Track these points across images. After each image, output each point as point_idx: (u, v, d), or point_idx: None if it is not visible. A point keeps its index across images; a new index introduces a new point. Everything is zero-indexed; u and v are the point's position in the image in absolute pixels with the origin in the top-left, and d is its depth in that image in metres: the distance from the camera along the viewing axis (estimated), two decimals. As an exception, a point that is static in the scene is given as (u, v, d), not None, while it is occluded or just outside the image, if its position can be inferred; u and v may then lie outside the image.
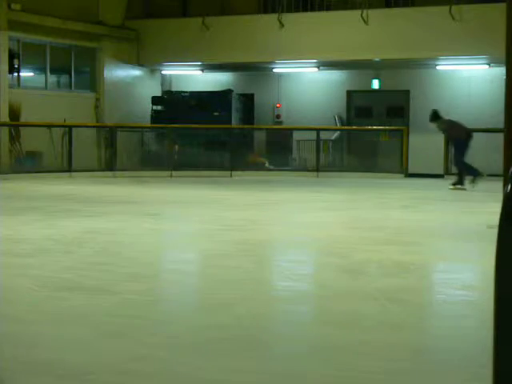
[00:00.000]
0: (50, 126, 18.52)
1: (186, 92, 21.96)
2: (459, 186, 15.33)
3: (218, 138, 20.90)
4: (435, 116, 15.74)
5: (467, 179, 15.26)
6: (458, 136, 15.68)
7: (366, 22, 18.89)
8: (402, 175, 19.50)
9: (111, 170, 19.09)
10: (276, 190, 15.30)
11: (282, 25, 19.72)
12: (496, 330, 1.89)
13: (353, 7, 19.40)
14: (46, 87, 19.79)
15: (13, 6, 18.15)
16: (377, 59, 19.64)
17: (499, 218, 1.91)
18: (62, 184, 16.00)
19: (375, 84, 21.46)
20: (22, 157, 18.30)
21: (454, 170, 16.94)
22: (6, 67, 17.92)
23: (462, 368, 3.76)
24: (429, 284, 6.34)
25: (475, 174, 15.27)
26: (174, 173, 18.85)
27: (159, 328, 4.46)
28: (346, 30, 19.24)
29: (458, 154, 15.58)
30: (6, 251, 7.15)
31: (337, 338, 4.25)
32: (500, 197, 2.17)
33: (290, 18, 19.74)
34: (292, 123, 21.62)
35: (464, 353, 4.02)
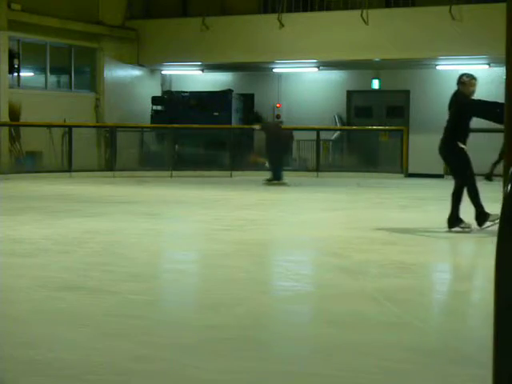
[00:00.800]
0: (49, 126, 18.51)
1: (186, 92, 21.95)
2: (275, 182, 16.11)
3: (218, 138, 20.90)
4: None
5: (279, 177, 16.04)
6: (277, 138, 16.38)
7: (366, 22, 18.88)
8: (402, 175, 19.50)
9: (111, 170, 19.09)
10: (276, 190, 15.30)
11: (282, 25, 19.71)
12: (496, 330, 1.89)
13: (353, 7, 19.39)
14: (45, 87, 19.79)
15: (13, 5, 18.15)
16: (377, 59, 19.63)
17: (499, 217, 1.91)
18: (62, 184, 16.00)
19: (375, 84, 21.45)
20: (22, 157, 18.29)
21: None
22: (6, 67, 17.91)
23: (461, 368, 3.76)
24: (429, 284, 6.34)
25: (279, 178, 16.11)
26: (174, 173, 18.85)
27: (159, 328, 4.46)
28: (345, 30, 19.23)
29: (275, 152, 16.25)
30: (6, 251, 7.15)
31: (337, 338, 4.25)
32: (500, 197, 2.17)
33: (290, 17, 19.73)
34: (292, 123, 21.62)
35: (464, 353, 4.02)
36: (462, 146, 8.87)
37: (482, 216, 8.72)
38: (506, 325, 1.87)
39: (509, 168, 2.48)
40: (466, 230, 8.61)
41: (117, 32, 20.88)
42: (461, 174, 8.93)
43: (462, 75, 9.23)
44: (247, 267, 6.55)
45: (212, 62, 21.15)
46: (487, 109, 8.94)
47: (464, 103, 8.93)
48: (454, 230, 8.68)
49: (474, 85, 9.05)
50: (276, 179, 16.28)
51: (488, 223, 8.68)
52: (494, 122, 8.59)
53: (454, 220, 8.73)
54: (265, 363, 3.76)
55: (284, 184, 16.10)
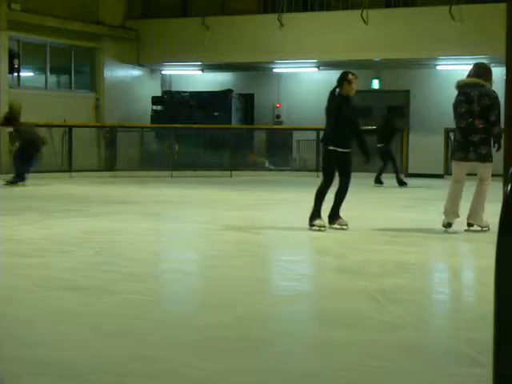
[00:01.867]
0: (50, 126, 18.50)
1: (186, 92, 21.95)
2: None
3: (218, 138, 20.89)
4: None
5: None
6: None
7: (366, 22, 18.88)
8: (402, 175, 19.48)
9: (111, 170, 19.08)
10: (276, 190, 15.30)
11: (282, 25, 19.71)
12: (496, 330, 1.89)
13: (353, 7, 19.39)
14: (45, 87, 19.79)
15: (13, 5, 18.14)
16: (377, 59, 19.63)
17: (499, 218, 1.92)
18: (62, 184, 16.00)
19: (375, 84, 21.45)
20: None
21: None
22: (6, 67, 17.92)
23: (461, 368, 3.76)
24: (429, 284, 6.34)
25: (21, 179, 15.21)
26: (173, 173, 18.84)
27: (159, 328, 4.46)
28: (345, 30, 19.22)
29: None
30: (7, 251, 7.15)
31: (337, 337, 4.25)
32: (500, 197, 2.17)
33: (289, 17, 19.73)
34: (292, 123, 21.61)
35: (464, 353, 4.02)
36: (333, 147, 8.82)
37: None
38: (506, 324, 1.87)
39: (509, 168, 2.48)
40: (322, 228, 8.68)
41: (117, 32, 20.87)
42: (323, 174, 9.10)
43: (348, 72, 9.34)
44: (247, 267, 6.55)
45: (212, 61, 21.14)
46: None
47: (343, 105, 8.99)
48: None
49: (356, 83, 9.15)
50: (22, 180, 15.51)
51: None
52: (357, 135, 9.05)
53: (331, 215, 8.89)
54: (265, 363, 3.76)
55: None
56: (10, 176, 15.25)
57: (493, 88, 8.90)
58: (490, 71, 9.17)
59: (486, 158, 8.65)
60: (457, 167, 8.95)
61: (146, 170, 19.76)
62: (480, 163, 8.69)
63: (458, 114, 8.78)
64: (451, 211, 8.69)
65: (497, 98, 8.64)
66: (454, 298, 5.46)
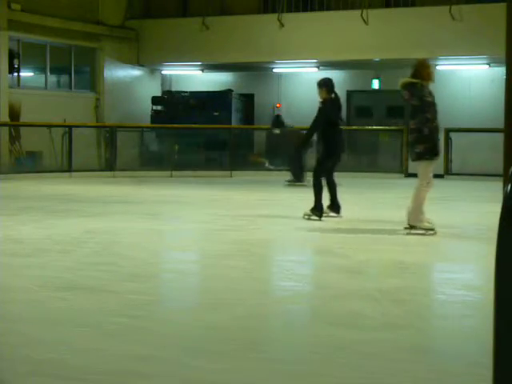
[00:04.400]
0: (49, 126, 18.51)
1: (186, 92, 21.95)
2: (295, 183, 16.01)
3: (218, 138, 20.89)
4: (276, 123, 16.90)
5: None
6: None
7: (366, 22, 18.88)
8: (402, 175, 19.50)
9: (111, 169, 19.08)
10: (276, 190, 15.29)
11: (282, 25, 19.71)
12: (496, 330, 1.89)
13: (353, 7, 19.39)
14: (45, 87, 19.78)
15: (13, 5, 18.15)
16: (377, 59, 19.63)
17: (499, 218, 1.91)
18: (62, 184, 15.99)
19: (375, 84, 21.45)
20: (22, 157, 18.29)
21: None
22: (6, 67, 17.91)
23: (461, 368, 3.76)
24: (429, 284, 6.34)
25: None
26: (173, 173, 18.83)
27: (159, 328, 4.46)
28: (345, 30, 19.23)
29: None
30: (6, 251, 7.15)
31: (337, 337, 4.25)
32: (500, 197, 2.17)
33: (289, 17, 19.73)
34: (292, 123, 21.58)
35: (464, 353, 4.02)
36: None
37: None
38: (506, 325, 1.87)
39: (509, 168, 2.48)
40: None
41: (117, 32, 20.87)
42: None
43: (328, 79, 10.39)
44: (247, 267, 6.55)
45: (212, 61, 21.14)
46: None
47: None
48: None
49: None
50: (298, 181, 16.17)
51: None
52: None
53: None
54: (265, 363, 3.76)
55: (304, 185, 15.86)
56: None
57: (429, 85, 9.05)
58: (424, 67, 9.21)
59: (420, 157, 8.81)
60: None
61: (145, 169, 19.76)
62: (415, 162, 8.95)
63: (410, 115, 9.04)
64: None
65: (422, 97, 8.76)
66: (454, 298, 5.46)
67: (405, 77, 9.02)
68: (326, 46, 19.36)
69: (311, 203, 9.77)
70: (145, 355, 3.84)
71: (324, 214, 9.72)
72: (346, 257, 7.09)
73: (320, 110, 10.09)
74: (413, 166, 20.06)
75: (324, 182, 9.96)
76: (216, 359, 3.81)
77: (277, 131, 17.42)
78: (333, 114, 10.09)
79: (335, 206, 10.04)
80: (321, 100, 10.11)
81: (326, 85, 10.15)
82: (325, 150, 10.14)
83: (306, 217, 9.79)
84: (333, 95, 10.11)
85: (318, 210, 9.74)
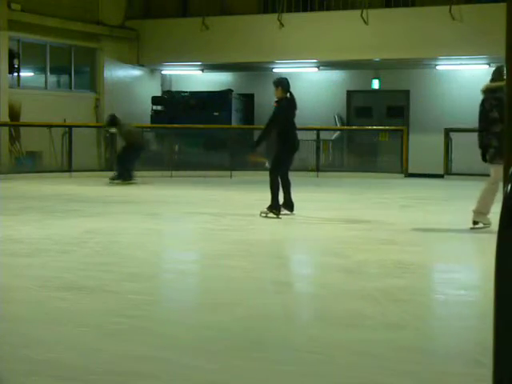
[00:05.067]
0: (49, 126, 18.51)
1: (186, 92, 21.94)
2: (116, 181, 16.21)
3: (218, 138, 20.88)
4: (112, 122, 16.71)
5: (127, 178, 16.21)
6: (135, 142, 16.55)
7: (366, 22, 18.88)
8: (402, 175, 19.49)
9: (111, 170, 19.06)
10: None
11: (282, 25, 19.71)
12: (496, 330, 1.89)
13: (353, 7, 19.39)
14: (45, 87, 19.78)
15: (13, 6, 18.14)
16: (377, 59, 19.63)
17: (499, 218, 1.91)
18: (62, 184, 15.99)
19: (375, 84, 21.45)
20: (21, 157, 18.29)
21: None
22: (6, 67, 17.91)
23: (461, 368, 3.76)
24: (429, 284, 6.34)
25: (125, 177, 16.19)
26: (173, 173, 18.83)
27: (159, 328, 4.46)
28: (346, 30, 19.23)
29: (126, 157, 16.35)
30: (6, 251, 7.15)
31: (337, 337, 4.25)
32: (500, 197, 2.17)
33: (289, 17, 19.73)
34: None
35: (464, 353, 4.02)
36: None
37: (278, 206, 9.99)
38: (506, 325, 1.87)
39: (509, 168, 2.48)
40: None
41: (117, 32, 20.87)
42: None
43: (283, 79, 10.42)
44: (247, 267, 6.55)
45: (212, 61, 21.15)
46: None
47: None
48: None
49: None
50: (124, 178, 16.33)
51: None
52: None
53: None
54: (265, 363, 3.76)
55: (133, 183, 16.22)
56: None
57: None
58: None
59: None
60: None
61: (145, 169, 19.75)
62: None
63: (492, 119, 8.65)
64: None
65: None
66: (454, 298, 5.46)
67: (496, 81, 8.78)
68: (326, 45, 19.36)
69: (311, 203, 9.78)
70: (145, 355, 3.84)
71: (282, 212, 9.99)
72: (345, 257, 7.09)
73: (276, 109, 10.16)
74: (413, 166, 20.08)
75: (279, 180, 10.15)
76: (216, 359, 3.81)
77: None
78: (289, 112, 10.16)
79: (289, 204, 10.23)
80: (276, 99, 10.19)
81: (281, 84, 10.23)
82: (281, 149, 10.19)
83: (263, 215, 9.96)
84: (288, 94, 10.16)
85: (275, 208, 9.95)
